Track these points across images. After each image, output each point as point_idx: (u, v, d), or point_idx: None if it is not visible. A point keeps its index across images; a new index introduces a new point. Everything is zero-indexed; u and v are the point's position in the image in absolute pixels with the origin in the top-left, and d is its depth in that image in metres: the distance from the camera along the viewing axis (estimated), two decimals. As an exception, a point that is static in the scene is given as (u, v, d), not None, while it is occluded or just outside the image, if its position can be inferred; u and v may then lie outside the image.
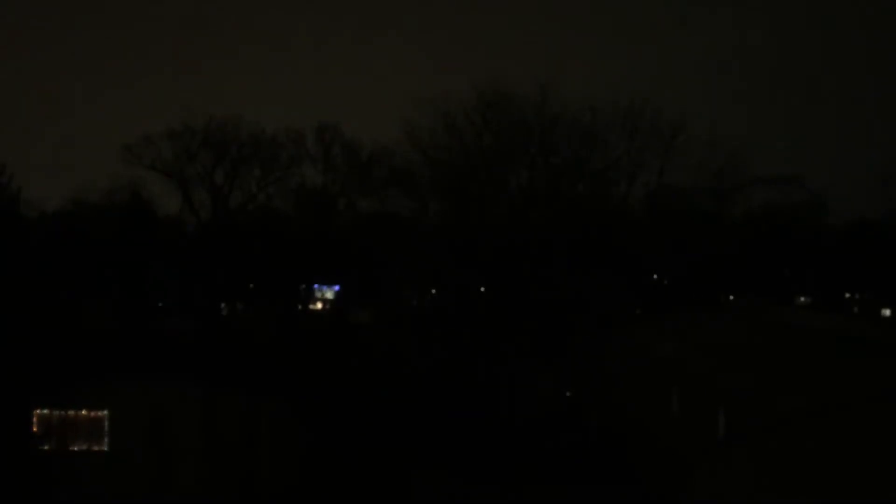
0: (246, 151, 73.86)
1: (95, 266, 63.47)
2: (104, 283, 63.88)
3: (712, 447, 24.84)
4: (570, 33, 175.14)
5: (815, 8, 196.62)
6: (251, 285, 74.74)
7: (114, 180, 71.95)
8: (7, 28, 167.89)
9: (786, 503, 22.58)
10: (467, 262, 56.94)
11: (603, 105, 61.18)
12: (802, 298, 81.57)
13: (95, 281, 62.88)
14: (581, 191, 64.42)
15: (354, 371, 46.66)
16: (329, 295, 78.69)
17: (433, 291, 69.42)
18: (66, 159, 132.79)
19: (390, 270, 63.07)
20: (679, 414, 28.75)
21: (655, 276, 71.06)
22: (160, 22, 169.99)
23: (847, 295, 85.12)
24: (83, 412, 31.53)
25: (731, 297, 73.54)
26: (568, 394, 41.77)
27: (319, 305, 78.34)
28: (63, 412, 31.54)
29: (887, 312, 77.03)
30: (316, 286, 78.17)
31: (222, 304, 72.84)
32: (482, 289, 62.47)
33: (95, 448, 31.42)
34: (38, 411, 31.51)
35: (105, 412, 31.46)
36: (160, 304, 70.69)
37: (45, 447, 31.16)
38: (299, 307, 74.33)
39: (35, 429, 31.43)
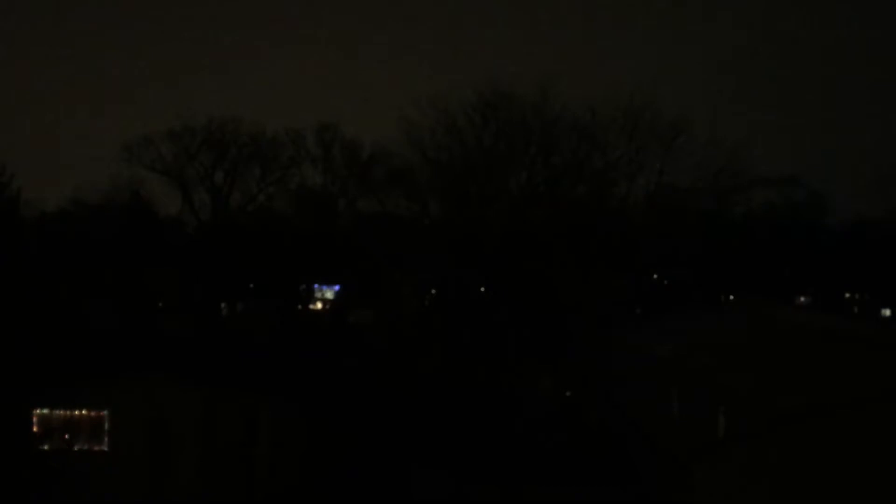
0: (246, 151, 74.06)
1: (95, 266, 63.51)
2: (104, 283, 63.90)
3: (712, 447, 24.83)
4: (570, 33, 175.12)
5: (815, 8, 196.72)
6: (251, 285, 74.79)
7: (114, 180, 72.19)
8: (7, 28, 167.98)
9: (786, 502, 22.60)
10: (467, 262, 56.95)
11: (603, 105, 61.18)
12: (802, 298, 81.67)
13: (95, 281, 62.91)
14: (581, 191, 64.42)
15: (354, 371, 46.71)
16: (329, 295, 78.78)
17: (433, 291, 69.44)
18: (66, 159, 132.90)
19: (390, 270, 63.06)
20: (679, 414, 28.74)
21: (655, 276, 71.12)
22: (160, 22, 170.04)
23: (847, 295, 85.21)
24: (83, 412, 31.54)
25: (731, 297, 73.61)
26: (568, 394, 41.79)
27: (319, 305, 78.42)
28: (63, 412, 31.54)
29: (887, 312, 77.09)
30: (316, 286, 78.24)
31: (222, 304, 72.91)
32: (482, 289, 62.49)
33: (95, 448, 31.42)
34: (38, 411, 31.50)
35: (105, 412, 31.46)
36: (160, 305, 70.74)
37: (45, 447, 31.16)
38: (299, 307, 74.40)
39: (35, 429, 31.44)
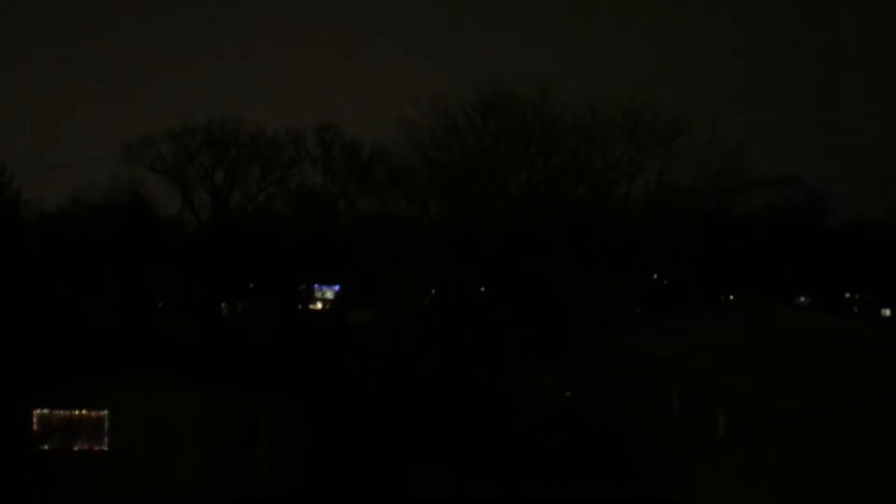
0: (246, 151, 74.02)
1: (95, 266, 63.50)
2: (104, 283, 63.90)
3: (712, 447, 24.83)
4: (570, 33, 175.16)
5: (815, 7, 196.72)
6: (251, 285, 74.77)
7: (114, 180, 72.16)
8: (7, 28, 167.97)
9: (786, 502, 22.60)
10: (467, 262, 56.95)
11: (603, 105, 61.19)
12: (802, 298, 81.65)
13: (95, 281, 62.91)
14: (581, 191, 64.42)
15: (354, 371, 46.72)
16: (329, 295, 78.75)
17: (433, 291, 69.42)
18: (66, 159, 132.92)
19: (390, 270, 63.05)
20: (679, 413, 28.74)
21: (655, 276, 71.10)
22: (160, 22, 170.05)
23: (847, 295, 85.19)
24: (83, 412, 31.52)
25: (731, 297, 73.59)
26: (568, 394, 41.79)
27: (319, 305, 78.39)
28: (63, 412, 31.53)
29: (887, 312, 77.06)
30: (316, 286, 78.21)
31: (222, 304, 72.89)
32: (482, 289, 62.48)
33: (95, 448, 31.41)
34: (38, 411, 31.49)
35: (105, 412, 31.44)
36: (160, 305, 70.73)
37: (45, 447, 31.14)
38: (299, 307, 74.37)
39: (35, 429, 31.42)
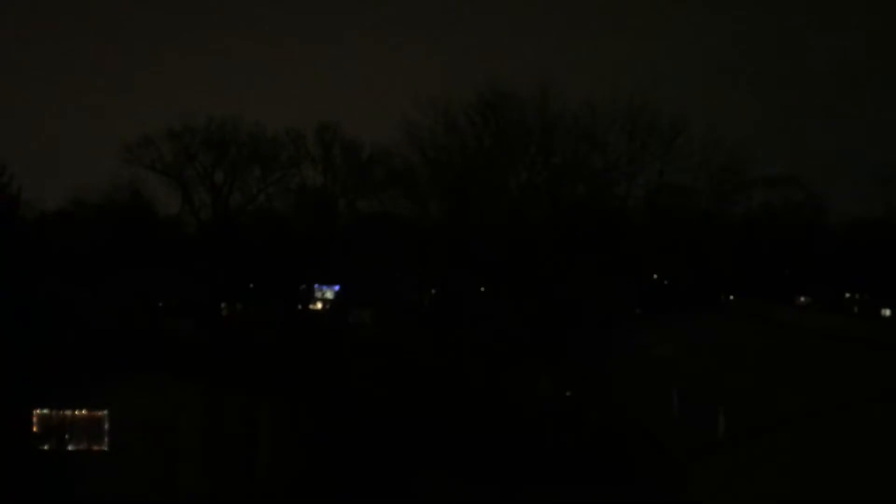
0: (246, 151, 73.90)
1: (95, 266, 63.49)
2: (104, 283, 63.87)
3: (712, 447, 24.85)
4: (570, 33, 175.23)
5: (815, 8, 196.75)
6: (251, 285, 74.72)
7: (114, 180, 72.11)
8: (7, 28, 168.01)
9: (785, 502, 22.59)
10: (467, 262, 56.99)
11: (603, 105, 61.33)
12: (802, 298, 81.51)
13: (95, 281, 62.89)
14: (581, 191, 64.49)
15: (354, 371, 46.69)
16: (329, 295, 78.67)
17: (433, 291, 69.43)
18: (66, 159, 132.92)
19: (390, 270, 63.10)
20: (679, 413, 28.76)
21: (655, 276, 71.09)
22: (161, 22, 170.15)
23: (847, 295, 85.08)
24: (83, 412, 31.52)
25: (731, 297, 73.53)
26: (568, 394, 41.79)
27: (319, 305, 78.32)
28: (63, 412, 31.53)
29: (887, 313, 76.96)
30: (316, 286, 78.17)
31: (222, 304, 72.82)
32: (482, 289, 62.52)
33: (95, 448, 31.40)
34: (38, 411, 31.48)
35: (105, 412, 31.44)
36: (160, 305, 70.69)
37: (45, 447, 31.14)
38: (299, 307, 74.33)
39: (35, 429, 31.42)
